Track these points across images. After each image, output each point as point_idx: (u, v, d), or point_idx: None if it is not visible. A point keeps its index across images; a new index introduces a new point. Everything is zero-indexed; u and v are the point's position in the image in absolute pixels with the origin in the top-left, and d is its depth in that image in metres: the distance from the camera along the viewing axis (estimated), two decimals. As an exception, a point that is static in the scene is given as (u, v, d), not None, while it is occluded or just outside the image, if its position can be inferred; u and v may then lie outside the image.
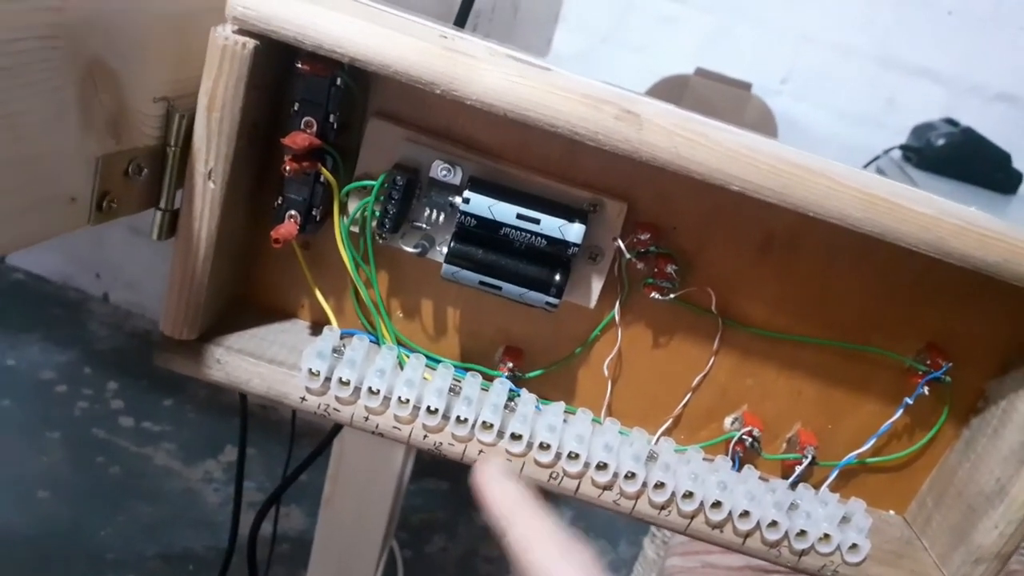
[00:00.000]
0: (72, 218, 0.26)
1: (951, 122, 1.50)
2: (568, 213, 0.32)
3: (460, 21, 0.46)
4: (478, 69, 0.28)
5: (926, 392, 0.35)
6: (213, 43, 0.27)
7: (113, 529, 1.35)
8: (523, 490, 0.31)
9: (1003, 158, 1.45)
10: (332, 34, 0.27)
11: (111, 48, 0.25)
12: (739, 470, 0.35)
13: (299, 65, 0.29)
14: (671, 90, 1.58)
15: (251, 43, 0.27)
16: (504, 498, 0.30)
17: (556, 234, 0.32)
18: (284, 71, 0.30)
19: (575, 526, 1.61)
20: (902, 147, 1.53)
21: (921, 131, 1.51)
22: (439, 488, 1.58)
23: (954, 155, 1.43)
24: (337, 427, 0.62)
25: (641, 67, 1.64)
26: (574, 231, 0.32)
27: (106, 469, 1.47)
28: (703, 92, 1.53)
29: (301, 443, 0.95)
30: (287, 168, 0.30)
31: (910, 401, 0.35)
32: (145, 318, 1.89)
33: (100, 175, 0.26)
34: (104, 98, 0.25)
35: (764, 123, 1.58)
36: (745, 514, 0.33)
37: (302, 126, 0.30)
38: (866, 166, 1.56)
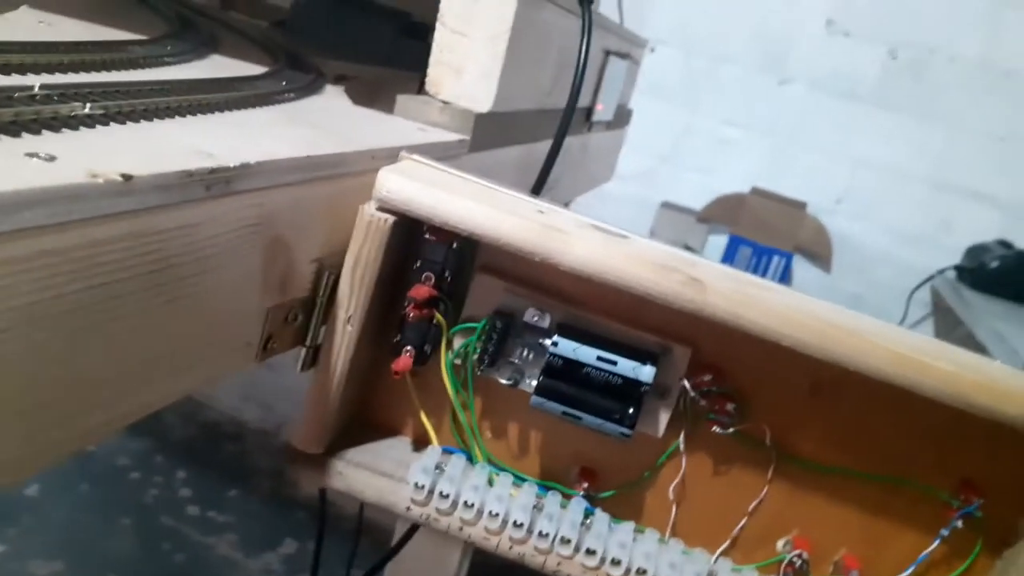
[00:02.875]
0: (245, 359, 0.32)
1: (1005, 244, 1.53)
2: (641, 356, 0.38)
3: (539, 183, 0.53)
4: (569, 242, 0.34)
5: (960, 525, 0.39)
6: (361, 218, 0.34)
7: (176, 617, 1.40)
8: None
9: (1059, 282, 1.46)
10: (456, 214, 0.34)
11: (288, 226, 0.32)
12: (790, 590, 0.39)
13: (426, 235, 0.36)
14: (728, 208, 1.64)
15: (391, 219, 0.34)
16: None
17: (630, 374, 0.37)
18: (410, 235, 0.37)
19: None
20: (956, 267, 1.56)
21: (975, 252, 1.54)
22: (491, 591, 1.59)
23: (1008, 277, 1.45)
24: (406, 537, 0.67)
25: (700, 185, 1.72)
26: (646, 372, 0.37)
27: (171, 556, 1.53)
28: (759, 210, 1.60)
29: (361, 540, 1.00)
30: (410, 315, 0.37)
31: (945, 533, 0.39)
32: (215, 410, 1.97)
33: (269, 323, 0.33)
34: (280, 264, 0.32)
35: (818, 241, 1.63)
36: (795, 631, 0.37)
37: (422, 279, 0.37)
38: (920, 285, 1.59)
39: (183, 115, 0.32)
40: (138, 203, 0.23)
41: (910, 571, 0.40)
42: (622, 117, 1.14)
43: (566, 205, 1.08)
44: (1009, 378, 0.35)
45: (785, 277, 1.63)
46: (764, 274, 1.62)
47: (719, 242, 1.69)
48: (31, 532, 1.49)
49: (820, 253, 1.65)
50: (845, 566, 0.40)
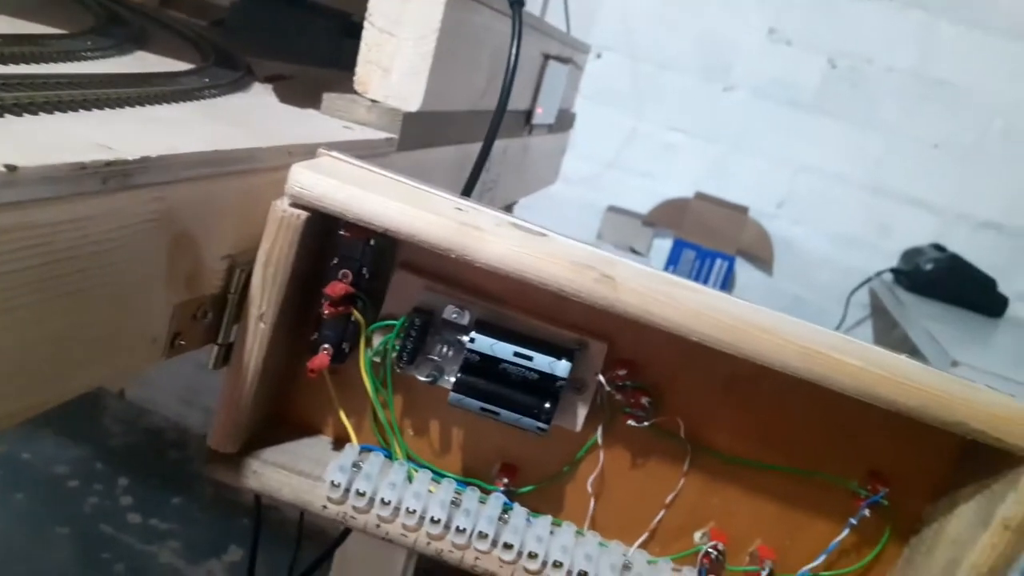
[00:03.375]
0: (152, 355, 0.32)
1: (939, 248, 1.58)
2: (557, 351, 0.38)
3: (470, 184, 0.53)
4: (485, 239, 0.34)
5: (868, 514, 0.40)
6: (273, 213, 0.34)
7: (115, 627, 1.37)
8: None
9: (989, 283, 1.51)
10: (370, 210, 0.34)
11: (194, 222, 0.31)
12: (705, 581, 0.40)
13: (341, 232, 0.36)
14: (673, 212, 1.67)
15: (304, 215, 0.34)
16: None
17: (546, 369, 0.38)
18: (326, 232, 0.37)
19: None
20: (893, 270, 1.60)
21: (910, 256, 1.58)
22: (439, 596, 1.58)
23: (942, 279, 1.49)
24: (343, 535, 0.67)
25: (645, 190, 1.74)
26: (561, 367, 0.38)
27: (111, 566, 1.49)
28: (702, 214, 1.62)
29: (305, 545, 0.99)
30: (326, 312, 0.36)
31: (854, 522, 0.40)
32: (159, 415, 1.94)
33: (175, 319, 0.32)
34: (185, 260, 0.32)
35: (760, 244, 1.66)
36: (708, 620, 0.38)
37: (339, 277, 0.37)
38: (858, 287, 1.63)
39: (88, 109, 0.31)
40: (24, 194, 0.23)
41: (822, 559, 0.41)
42: (565, 121, 1.15)
43: (510, 207, 1.09)
44: (911, 372, 0.36)
45: (728, 279, 1.66)
46: (707, 276, 1.65)
47: (664, 245, 1.72)
48: (-38, 543, 1.45)
49: (762, 256, 1.68)
50: (760, 556, 0.41)
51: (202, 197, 0.31)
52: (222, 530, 1.64)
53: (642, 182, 1.76)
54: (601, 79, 1.71)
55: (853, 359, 0.35)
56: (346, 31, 0.86)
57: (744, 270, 1.73)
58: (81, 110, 0.31)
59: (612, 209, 1.74)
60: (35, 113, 0.28)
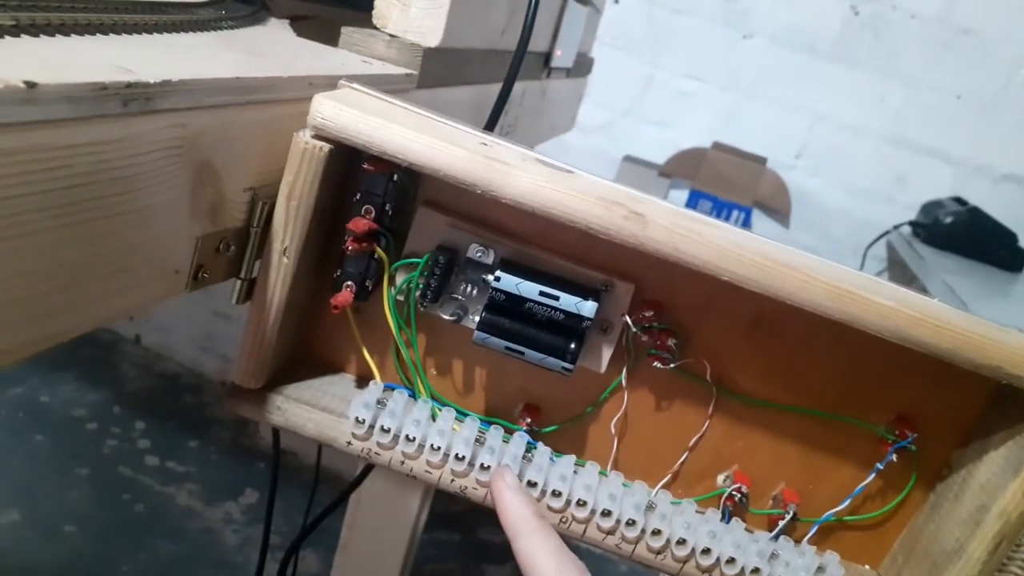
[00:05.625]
0: (174, 287, 0.31)
1: (959, 201, 1.56)
2: (583, 291, 0.37)
3: (490, 125, 0.52)
4: (512, 174, 0.33)
5: (895, 459, 0.39)
6: (295, 145, 0.33)
7: (134, 565, 1.40)
8: (533, 504, 0.35)
9: (1009, 237, 1.49)
10: (394, 143, 0.33)
11: (217, 152, 0.31)
12: (727, 522, 0.40)
13: (364, 166, 0.35)
14: (689, 162, 1.65)
15: (327, 147, 0.33)
16: (517, 508, 0.35)
17: (572, 309, 0.37)
18: (349, 166, 0.36)
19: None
20: (911, 223, 1.58)
21: (930, 208, 1.56)
22: (451, 539, 1.61)
23: (961, 233, 1.48)
24: (361, 476, 0.67)
25: (661, 139, 1.72)
26: (588, 307, 0.37)
27: (131, 507, 1.52)
28: (719, 165, 1.60)
29: (321, 489, 1.00)
30: (349, 248, 0.36)
31: (881, 466, 0.40)
32: (175, 361, 1.95)
33: (199, 252, 0.32)
34: (208, 191, 0.31)
35: (777, 196, 1.64)
36: (731, 561, 0.38)
37: (362, 212, 0.36)
38: (876, 240, 1.62)
39: (105, 33, 0.30)
40: (44, 114, 0.22)
41: (846, 504, 0.41)
42: (583, 65, 1.13)
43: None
44: (944, 314, 0.35)
45: (744, 231, 1.65)
46: (724, 227, 1.63)
47: (680, 197, 1.70)
48: (-16, 483, 1.47)
49: (779, 208, 1.66)
50: (784, 500, 0.41)
51: (224, 126, 0.31)
52: (239, 474, 1.67)
53: (658, 131, 1.74)
54: (618, 25, 1.67)
55: (885, 299, 0.34)
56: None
57: (761, 222, 1.72)
58: (98, 34, 0.30)
59: (628, 159, 1.72)
60: (51, 35, 0.27)
